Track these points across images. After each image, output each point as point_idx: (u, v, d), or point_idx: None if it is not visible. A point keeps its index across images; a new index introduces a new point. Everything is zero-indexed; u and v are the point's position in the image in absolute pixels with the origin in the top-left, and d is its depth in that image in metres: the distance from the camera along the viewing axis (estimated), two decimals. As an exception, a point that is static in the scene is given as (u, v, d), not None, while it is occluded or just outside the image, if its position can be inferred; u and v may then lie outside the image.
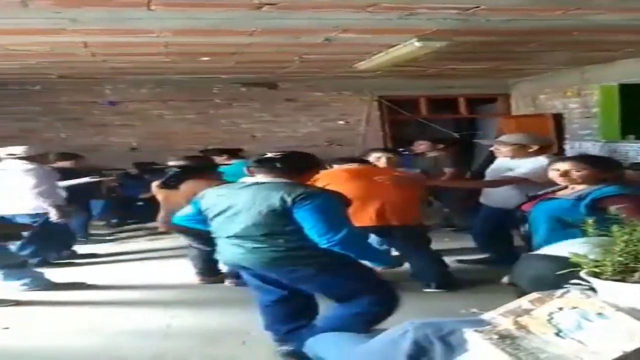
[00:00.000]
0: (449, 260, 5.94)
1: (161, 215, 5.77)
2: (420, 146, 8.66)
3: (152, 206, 6.18)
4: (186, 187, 5.54)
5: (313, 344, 3.44)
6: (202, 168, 5.96)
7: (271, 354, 4.05)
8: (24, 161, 6.45)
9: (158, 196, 5.92)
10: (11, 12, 4.35)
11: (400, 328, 2.48)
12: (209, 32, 5.22)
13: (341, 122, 10.81)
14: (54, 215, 6.27)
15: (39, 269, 5.96)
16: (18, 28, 4.91)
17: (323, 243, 3.69)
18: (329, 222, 3.69)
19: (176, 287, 5.82)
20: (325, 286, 3.89)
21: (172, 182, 5.70)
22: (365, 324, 3.79)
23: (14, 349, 4.38)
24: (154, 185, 6.02)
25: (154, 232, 7.73)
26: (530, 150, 5.92)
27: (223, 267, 5.70)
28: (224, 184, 4.30)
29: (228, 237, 3.92)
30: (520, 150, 5.96)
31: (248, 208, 3.79)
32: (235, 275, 5.41)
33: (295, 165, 3.95)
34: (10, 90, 9.60)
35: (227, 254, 4.02)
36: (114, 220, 9.18)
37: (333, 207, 3.79)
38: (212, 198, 4.04)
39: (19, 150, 6.54)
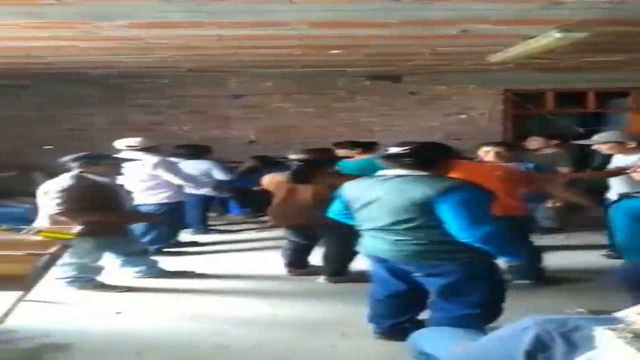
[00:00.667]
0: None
1: (278, 207, 5.88)
2: (533, 142, 8.40)
3: (264, 198, 6.31)
4: (313, 181, 5.63)
5: (418, 339, 3.45)
6: (324, 162, 5.99)
7: (369, 346, 4.11)
8: (144, 152, 6.77)
9: (270, 188, 6.04)
10: (155, 6, 4.51)
11: (521, 323, 2.45)
12: (345, 24, 5.24)
13: (463, 115, 10.62)
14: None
15: (153, 257, 6.18)
16: (159, 22, 5.07)
17: (463, 238, 3.66)
18: (471, 217, 3.65)
19: (281, 279, 5.97)
20: (460, 283, 3.85)
21: (300, 176, 5.75)
22: (477, 322, 3.76)
23: (125, 332, 4.58)
24: (268, 177, 6.14)
25: (263, 224, 8.02)
26: (630, 146, 5.94)
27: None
28: (365, 177, 4.30)
29: (370, 229, 3.96)
30: (618, 147, 6.03)
31: (390, 201, 3.81)
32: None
33: (426, 157, 3.92)
34: (144, 84, 10.02)
35: (368, 245, 4.05)
36: (234, 211, 9.51)
37: (477, 201, 3.73)
38: (354, 190, 4.08)
39: (136, 142, 6.90)
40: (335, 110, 10.53)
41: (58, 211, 5.12)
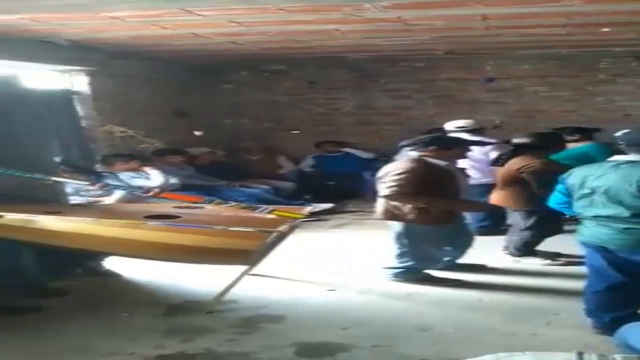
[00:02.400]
0: None
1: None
2: None
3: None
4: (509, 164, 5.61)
5: (628, 331, 3.34)
6: (537, 147, 5.71)
7: (572, 338, 3.89)
8: (473, 134, 6.75)
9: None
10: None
11: None
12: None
13: None
14: None
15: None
16: (422, 1, 4.96)
17: None
18: None
19: (492, 263, 5.72)
20: None
21: (502, 159, 5.63)
22: None
23: (334, 308, 4.73)
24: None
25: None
26: None
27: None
28: (593, 164, 4.08)
29: (594, 217, 3.84)
30: None
31: (618, 188, 3.70)
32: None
33: None
34: (397, 67, 9.97)
35: (591, 234, 3.92)
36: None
37: None
38: (579, 177, 3.96)
39: (467, 123, 7.06)
40: (590, 93, 9.86)
41: (390, 193, 5.01)
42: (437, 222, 5.06)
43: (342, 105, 10.18)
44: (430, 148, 5.15)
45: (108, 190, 5.99)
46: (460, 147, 5.48)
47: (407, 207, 4.98)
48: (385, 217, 5.14)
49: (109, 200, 6.13)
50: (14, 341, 4.00)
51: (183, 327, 4.22)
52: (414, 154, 5.23)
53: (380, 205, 5.17)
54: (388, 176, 5.06)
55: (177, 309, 4.64)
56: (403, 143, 5.46)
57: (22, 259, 4.71)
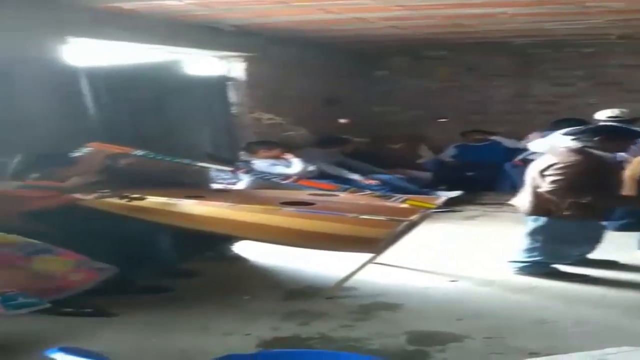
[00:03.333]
0: None
1: None
2: None
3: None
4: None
5: None
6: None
7: None
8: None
9: None
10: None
11: None
12: None
13: None
14: None
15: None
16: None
17: None
18: None
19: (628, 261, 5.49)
20: None
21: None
22: None
23: (453, 299, 4.74)
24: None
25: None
26: None
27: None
28: None
29: None
30: None
31: None
32: None
33: None
34: (562, 53, 9.70)
35: None
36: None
37: None
38: None
39: (620, 112, 7.04)
40: None
41: (557, 188, 4.86)
42: (597, 217, 4.96)
43: (496, 93, 10.04)
44: (596, 138, 4.93)
45: (244, 176, 6.34)
46: (628, 138, 5.29)
47: (566, 203, 4.86)
48: (535, 212, 5.04)
49: (238, 186, 6.48)
50: (140, 318, 4.27)
51: (300, 312, 4.39)
52: (574, 144, 4.97)
53: (529, 198, 5.06)
54: (550, 170, 4.91)
55: (298, 294, 4.83)
56: (565, 131, 5.19)
57: (159, 241, 5.03)
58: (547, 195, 4.93)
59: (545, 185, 4.92)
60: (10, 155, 4.44)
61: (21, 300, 3.17)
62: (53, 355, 2.61)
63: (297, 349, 3.70)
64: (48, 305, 3.28)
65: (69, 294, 3.38)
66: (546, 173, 4.94)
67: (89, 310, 4.20)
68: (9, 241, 3.43)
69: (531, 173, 5.13)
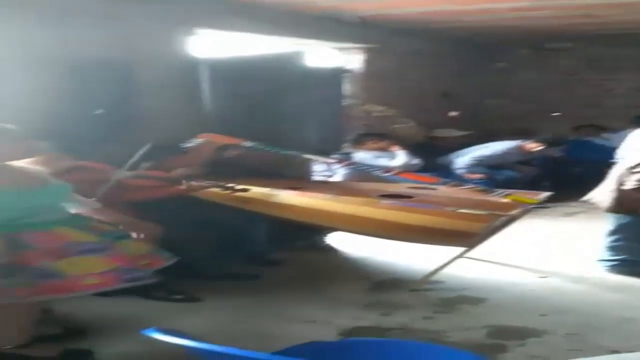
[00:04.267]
0: None
1: None
2: None
3: None
4: None
5: None
6: None
7: None
8: None
9: None
10: None
11: None
12: None
13: None
14: None
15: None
16: None
17: None
18: None
19: None
20: None
21: None
22: None
23: (538, 295, 4.72)
24: None
25: None
26: None
27: None
28: None
29: None
30: None
31: None
32: None
33: None
34: None
35: None
36: None
37: None
38: None
39: None
40: None
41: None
42: None
43: (616, 87, 9.71)
44: None
45: (341, 169, 6.48)
46: None
47: None
48: (618, 210, 4.98)
49: (335, 178, 6.61)
50: (227, 303, 4.47)
51: (383, 302, 4.52)
52: None
53: (613, 195, 4.97)
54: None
55: (383, 285, 4.97)
56: None
57: (255, 230, 5.27)
58: (635, 193, 4.86)
59: (633, 183, 4.86)
60: (130, 146, 4.60)
61: (135, 274, 3.27)
62: (150, 334, 2.85)
63: (378, 338, 3.79)
64: (155, 280, 3.38)
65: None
66: (636, 170, 4.88)
67: (179, 296, 4.49)
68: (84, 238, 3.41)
69: (618, 169, 5.07)
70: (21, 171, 3.41)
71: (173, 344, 2.41)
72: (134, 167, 4.33)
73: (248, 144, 5.26)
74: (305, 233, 5.68)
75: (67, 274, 3.15)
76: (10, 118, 3.76)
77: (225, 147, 5.29)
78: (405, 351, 3.11)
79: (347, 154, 6.84)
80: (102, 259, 3.29)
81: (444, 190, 5.44)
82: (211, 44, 6.65)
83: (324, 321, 4.15)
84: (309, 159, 5.92)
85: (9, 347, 3.40)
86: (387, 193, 5.18)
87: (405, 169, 6.81)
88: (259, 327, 4.01)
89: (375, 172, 6.30)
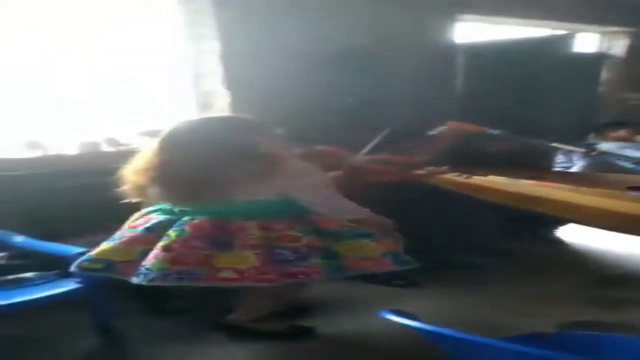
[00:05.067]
0: None
1: None
2: None
3: None
4: None
5: None
6: None
7: None
8: None
9: None
10: None
11: None
12: None
13: None
14: None
15: None
16: None
17: None
18: None
19: None
20: None
21: None
22: None
23: None
24: None
25: None
26: None
27: None
28: None
29: None
30: None
31: None
32: None
33: None
34: None
35: None
36: None
37: None
38: None
39: None
40: None
41: None
42: None
43: None
44: None
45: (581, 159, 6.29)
46: None
47: None
48: None
49: (575, 169, 6.41)
50: (446, 291, 4.63)
51: (609, 298, 4.46)
52: None
53: None
54: None
55: (610, 280, 4.89)
56: None
57: (484, 219, 5.31)
58: None
59: None
60: (376, 134, 4.86)
61: (403, 258, 3.46)
62: (387, 316, 3.12)
63: (598, 333, 3.65)
64: (417, 265, 3.50)
65: (356, 274, 3.48)
66: None
67: (400, 282, 4.72)
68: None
69: None
70: None
71: (403, 327, 2.60)
72: (374, 151, 4.54)
73: (494, 132, 5.23)
74: (535, 225, 5.69)
75: (346, 255, 3.42)
76: (267, 105, 4.16)
77: (468, 135, 5.29)
78: (626, 347, 3.04)
79: (592, 144, 6.60)
80: (374, 244, 3.53)
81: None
82: (475, 28, 6.77)
83: (542, 314, 4.18)
84: (554, 148, 5.79)
85: (245, 320, 3.85)
86: (636, 185, 4.83)
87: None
88: (477, 317, 4.12)
89: (621, 163, 6.12)
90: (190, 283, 3.20)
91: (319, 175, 3.73)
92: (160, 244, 3.38)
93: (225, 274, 3.18)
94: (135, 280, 3.32)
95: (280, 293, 3.71)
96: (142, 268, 3.32)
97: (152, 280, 3.23)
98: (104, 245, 3.57)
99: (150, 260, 3.33)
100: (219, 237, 3.33)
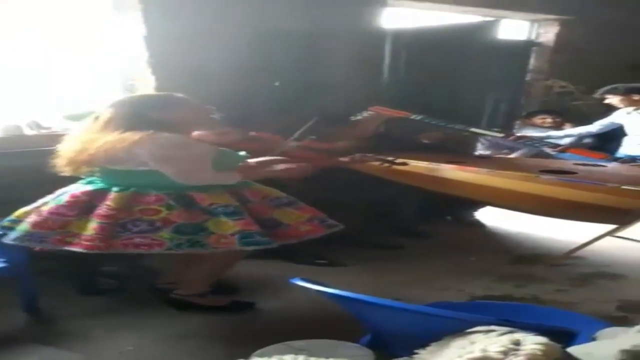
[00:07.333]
0: None
1: None
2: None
3: None
4: None
5: None
6: None
7: None
8: None
9: None
10: None
11: None
12: None
13: None
14: None
15: None
16: None
17: None
18: None
19: None
20: None
21: None
22: None
23: None
24: None
25: None
26: None
27: None
28: None
29: None
30: None
31: None
32: None
33: None
34: None
35: None
36: None
37: None
38: None
39: None
40: None
41: None
42: None
43: None
44: None
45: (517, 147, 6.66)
46: None
47: None
48: None
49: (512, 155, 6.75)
50: (367, 270, 4.88)
51: (520, 275, 4.77)
52: None
53: None
54: None
55: (523, 259, 5.22)
56: None
57: (405, 202, 5.65)
58: None
59: None
60: (303, 118, 4.97)
61: (257, 238, 3.55)
62: (298, 283, 3.33)
63: (506, 302, 4.12)
64: (276, 245, 3.66)
65: (292, 242, 3.76)
66: None
67: (323, 260, 5.04)
68: (268, 193, 3.94)
69: None
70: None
71: (318, 295, 2.99)
72: (301, 138, 4.75)
73: (416, 117, 5.41)
74: (454, 207, 6.01)
75: (287, 222, 3.74)
76: (195, 89, 4.39)
77: (391, 120, 5.56)
78: (532, 313, 3.47)
79: (517, 130, 6.94)
80: (298, 211, 3.84)
81: (613, 167, 5.43)
82: (403, 16, 6.95)
83: (456, 289, 4.47)
84: (475, 134, 6.03)
85: (187, 294, 4.08)
86: (548, 169, 5.25)
87: (575, 145, 6.90)
88: (395, 292, 4.30)
89: (543, 149, 6.44)
90: (41, 245, 3.54)
91: (195, 149, 3.84)
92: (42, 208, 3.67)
93: (69, 239, 3.48)
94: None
95: (217, 270, 4.07)
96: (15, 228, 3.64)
97: (14, 239, 3.57)
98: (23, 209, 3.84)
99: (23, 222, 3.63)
100: (87, 206, 3.60)
